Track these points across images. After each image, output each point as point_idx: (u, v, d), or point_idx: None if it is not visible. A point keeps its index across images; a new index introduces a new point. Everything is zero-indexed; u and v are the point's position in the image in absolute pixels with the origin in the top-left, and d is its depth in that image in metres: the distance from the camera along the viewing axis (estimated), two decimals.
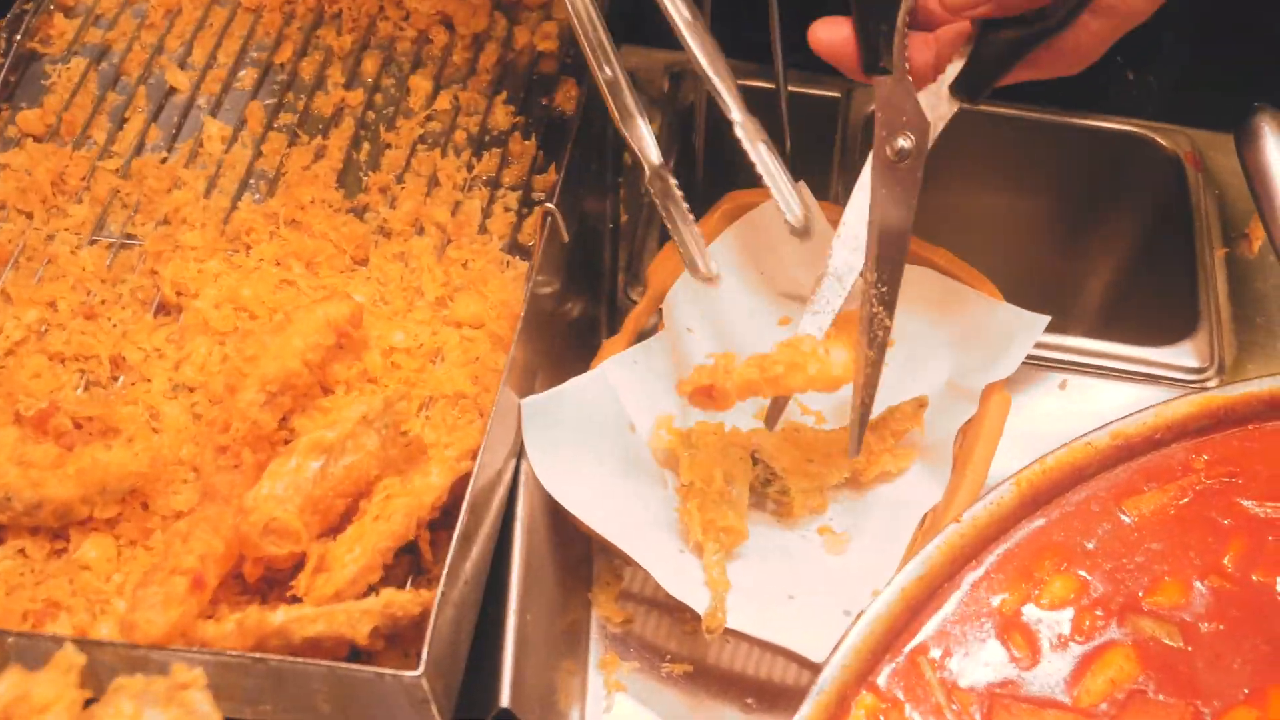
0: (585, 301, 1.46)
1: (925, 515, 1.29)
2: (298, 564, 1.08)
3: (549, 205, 1.27)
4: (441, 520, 1.13)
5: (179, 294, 1.31)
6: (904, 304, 1.35)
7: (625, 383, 1.32)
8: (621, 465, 1.27)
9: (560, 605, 1.24)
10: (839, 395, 1.30)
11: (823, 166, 1.63)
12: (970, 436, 1.31)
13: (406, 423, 1.16)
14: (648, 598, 1.29)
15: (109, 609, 1.10)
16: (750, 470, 1.29)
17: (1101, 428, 1.09)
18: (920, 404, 1.32)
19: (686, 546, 1.24)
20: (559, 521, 1.24)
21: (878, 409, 1.30)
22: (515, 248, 1.38)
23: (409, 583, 1.13)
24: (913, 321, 1.41)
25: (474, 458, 1.12)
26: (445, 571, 1.03)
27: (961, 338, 1.39)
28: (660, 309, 1.40)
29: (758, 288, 1.45)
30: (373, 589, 1.07)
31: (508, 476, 1.21)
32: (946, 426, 1.32)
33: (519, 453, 1.23)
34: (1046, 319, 1.35)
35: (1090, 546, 1.06)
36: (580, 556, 1.30)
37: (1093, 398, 1.45)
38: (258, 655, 0.99)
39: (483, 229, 1.40)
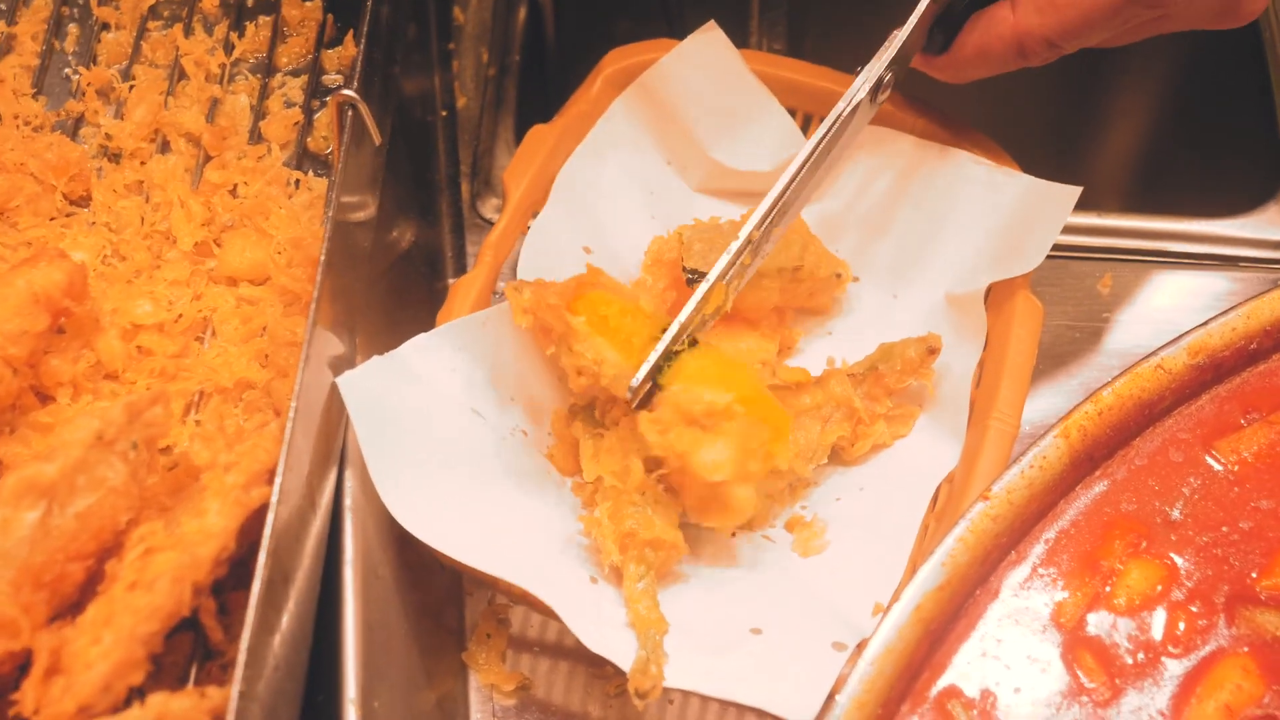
0: (417, 226, 1.38)
1: (938, 489, 1.22)
2: (21, 666, 0.99)
3: (347, 93, 1.18)
4: (232, 578, 1.05)
5: None
6: (874, 187, 1.34)
7: (491, 343, 1.23)
8: (491, 463, 1.20)
9: (423, 678, 1.16)
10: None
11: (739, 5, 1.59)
12: (991, 368, 1.23)
13: (167, 436, 1.08)
14: (550, 646, 1.23)
15: None
16: None
17: (1174, 341, 1.06)
18: (930, 348, 1.26)
19: (600, 572, 1.16)
20: (409, 552, 1.16)
21: (868, 349, 1.27)
22: (307, 158, 1.31)
23: (192, 676, 1.04)
24: (888, 211, 1.35)
25: (270, 480, 1.02)
26: (243, 657, 0.94)
27: (963, 227, 1.32)
28: (530, 227, 1.32)
29: (667, 181, 1.40)
30: (136, 694, 0.98)
31: (325, 500, 1.12)
32: (956, 358, 1.26)
33: (339, 461, 1.14)
34: (1077, 190, 1.27)
35: (1175, 515, 1.03)
36: (445, 598, 1.24)
37: (1149, 297, 1.40)
38: None
39: (255, 136, 1.32)
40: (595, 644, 1.09)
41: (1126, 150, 1.71)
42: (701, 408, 1.12)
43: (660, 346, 1.15)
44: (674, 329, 1.15)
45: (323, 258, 1.11)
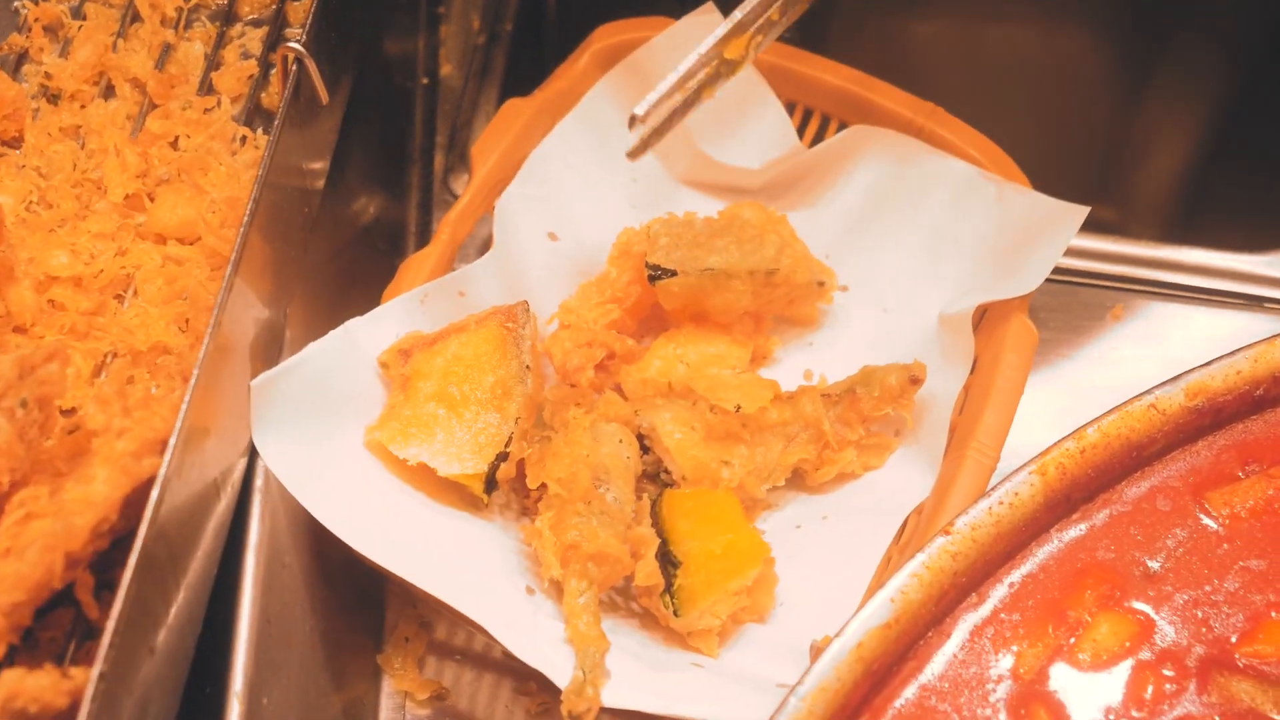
0: (382, 198, 1.38)
1: (906, 520, 1.21)
2: None
3: (293, 45, 1.17)
4: (122, 553, 1.01)
5: None
6: (871, 193, 1.33)
7: (429, 323, 1.23)
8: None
9: (329, 678, 1.15)
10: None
11: None
12: (976, 394, 1.22)
13: (63, 396, 1.05)
14: (475, 656, 1.23)
15: None
16: (637, 460, 1.21)
17: (1172, 380, 1.03)
18: (913, 377, 1.24)
19: (539, 585, 1.15)
20: (326, 544, 1.14)
21: (851, 366, 1.25)
22: (258, 115, 1.29)
23: (70, 654, 1.02)
24: (884, 220, 1.33)
25: (162, 451, 1.01)
26: (107, 638, 0.92)
27: (962, 242, 1.31)
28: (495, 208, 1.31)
29: (649, 168, 1.38)
30: (7, 663, 0.97)
31: (233, 479, 1.11)
32: (941, 383, 1.25)
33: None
34: (1085, 210, 1.26)
35: (1155, 566, 1.00)
36: (363, 595, 1.23)
37: (1162, 332, 1.39)
38: None
39: (206, 87, 1.30)
40: (530, 656, 1.08)
41: (1167, 175, 1.69)
42: (734, 588, 1.14)
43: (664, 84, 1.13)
44: (691, 60, 1.13)
45: (246, 219, 1.09)
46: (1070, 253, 1.33)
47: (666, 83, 1.11)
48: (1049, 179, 1.31)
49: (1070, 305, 1.38)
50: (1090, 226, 1.28)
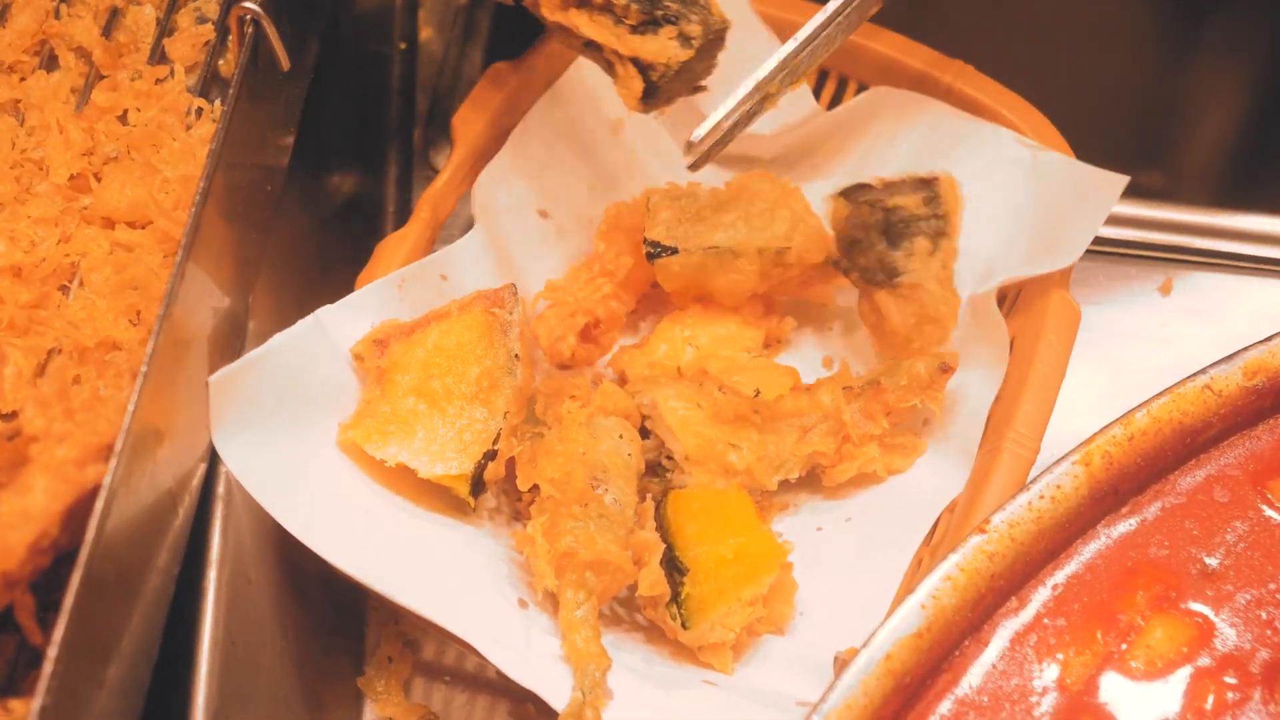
0: (357, 175, 1.37)
1: (937, 519, 1.20)
2: None
3: (248, 5, 1.15)
4: (68, 570, 0.99)
5: None
6: (895, 162, 1.31)
7: (408, 311, 1.22)
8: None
9: (303, 705, 1.15)
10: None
11: None
12: (1013, 379, 1.21)
13: (2, 398, 1.05)
14: (467, 677, 1.23)
15: None
16: (639, 457, 1.19)
17: (1229, 359, 1.03)
18: (943, 365, 1.23)
19: (532, 596, 1.15)
20: (297, 555, 1.13)
21: (862, 359, 1.25)
22: (215, 85, 1.27)
23: (15, 684, 1.01)
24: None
25: (107, 457, 0.99)
26: (48, 667, 0.91)
27: (994, 215, 1.29)
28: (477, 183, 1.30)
29: (653, 137, 1.38)
30: None
31: (191, 486, 1.10)
32: (973, 368, 1.24)
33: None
34: (1125, 179, 1.25)
35: (1214, 564, 0.99)
36: (340, 612, 1.23)
37: (1218, 307, 1.39)
38: None
39: (157, 55, 1.29)
40: (523, 676, 1.07)
41: (1219, 135, 1.68)
42: (748, 597, 1.13)
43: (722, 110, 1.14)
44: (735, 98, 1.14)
45: (199, 198, 1.09)
46: (1114, 222, 1.33)
47: (724, 109, 1.13)
48: (1090, 142, 1.30)
49: (1115, 279, 1.38)
50: (1135, 193, 1.27)
